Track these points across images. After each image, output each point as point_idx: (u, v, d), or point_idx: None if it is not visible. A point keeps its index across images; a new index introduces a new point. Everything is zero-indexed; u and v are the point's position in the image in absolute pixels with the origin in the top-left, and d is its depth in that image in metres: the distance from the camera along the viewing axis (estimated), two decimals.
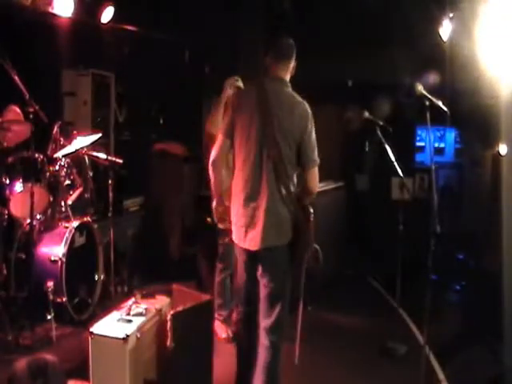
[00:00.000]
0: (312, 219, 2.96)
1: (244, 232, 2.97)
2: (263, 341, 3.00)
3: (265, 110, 2.88)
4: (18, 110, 4.18)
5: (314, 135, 2.95)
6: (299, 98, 2.99)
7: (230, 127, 2.97)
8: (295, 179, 2.97)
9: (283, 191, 2.89)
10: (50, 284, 3.94)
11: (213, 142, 3.18)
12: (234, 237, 3.06)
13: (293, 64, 3.09)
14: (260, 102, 2.90)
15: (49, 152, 4.38)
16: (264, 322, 3.01)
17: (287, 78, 3.06)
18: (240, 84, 4.07)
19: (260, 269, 2.99)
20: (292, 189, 2.92)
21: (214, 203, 3.19)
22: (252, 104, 2.92)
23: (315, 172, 2.95)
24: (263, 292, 3.00)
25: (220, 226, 3.57)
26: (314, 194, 2.99)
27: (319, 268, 3.21)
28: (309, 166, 2.93)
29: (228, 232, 3.23)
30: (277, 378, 3.01)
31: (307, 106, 2.97)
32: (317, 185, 2.99)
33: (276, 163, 2.87)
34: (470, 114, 5.49)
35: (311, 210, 2.97)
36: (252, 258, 3.01)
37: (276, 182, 2.88)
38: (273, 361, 2.98)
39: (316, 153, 2.96)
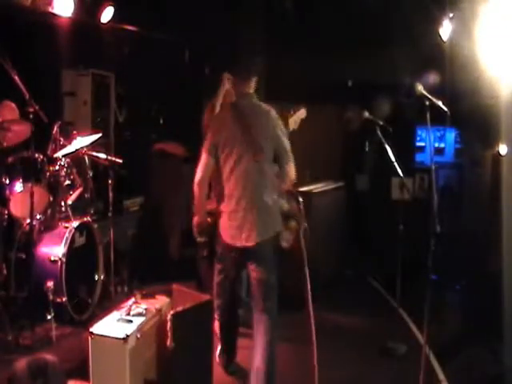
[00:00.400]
0: (301, 205, 3.41)
1: (240, 231, 3.29)
2: (260, 320, 3.34)
3: (244, 123, 3.28)
4: (12, 105, 4.17)
5: (284, 134, 3.41)
6: (267, 107, 3.40)
7: (213, 147, 3.31)
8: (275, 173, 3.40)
9: (270, 187, 3.31)
10: (50, 284, 3.94)
11: None
12: (228, 238, 3.36)
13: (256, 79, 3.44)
14: (238, 117, 3.29)
15: (49, 152, 4.39)
16: (260, 305, 3.35)
17: (250, 90, 3.40)
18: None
19: (253, 263, 3.33)
20: (275, 184, 3.36)
21: (197, 219, 3.48)
22: (230, 122, 3.30)
23: (292, 165, 3.40)
24: (257, 283, 3.35)
25: (199, 239, 3.72)
26: (293, 182, 3.45)
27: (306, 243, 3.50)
28: (287, 162, 3.36)
29: (206, 245, 3.63)
30: (274, 354, 3.33)
31: (275, 113, 3.40)
32: (294, 174, 3.43)
33: (262, 165, 3.28)
34: (470, 114, 5.49)
35: (300, 199, 3.42)
36: (244, 254, 3.33)
37: (263, 181, 3.29)
38: (272, 338, 3.32)
39: (289, 148, 3.41)
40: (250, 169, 3.27)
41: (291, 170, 3.41)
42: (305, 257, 3.43)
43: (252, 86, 3.39)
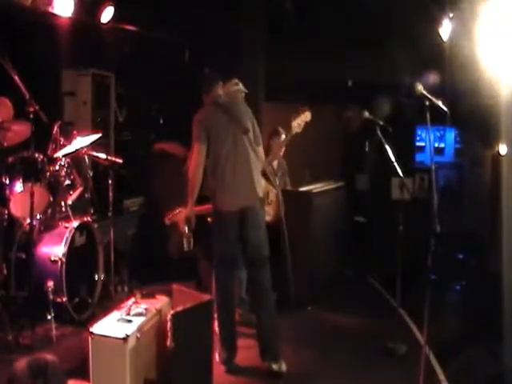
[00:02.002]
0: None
1: (239, 194, 3.73)
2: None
3: (227, 110, 3.82)
4: (7, 101, 4.16)
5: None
6: (242, 101, 4.04)
7: (204, 135, 3.74)
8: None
9: (257, 161, 3.87)
10: (50, 284, 3.94)
11: None
12: (227, 206, 3.73)
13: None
14: (220, 107, 3.83)
15: (49, 152, 4.38)
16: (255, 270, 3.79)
17: (228, 89, 4.07)
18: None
19: (251, 225, 3.77)
20: (260, 155, 3.94)
21: (187, 210, 3.86)
22: (214, 113, 3.82)
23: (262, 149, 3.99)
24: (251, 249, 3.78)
25: (186, 232, 3.93)
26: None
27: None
28: (259, 143, 3.92)
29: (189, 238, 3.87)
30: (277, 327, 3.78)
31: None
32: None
33: (250, 142, 3.82)
34: (470, 114, 5.49)
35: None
36: (243, 216, 3.73)
37: (253, 155, 3.82)
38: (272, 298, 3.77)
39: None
40: (241, 142, 3.77)
41: (261, 153, 3.99)
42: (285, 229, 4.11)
43: (219, 89, 3.95)
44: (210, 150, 3.77)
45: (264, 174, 4.03)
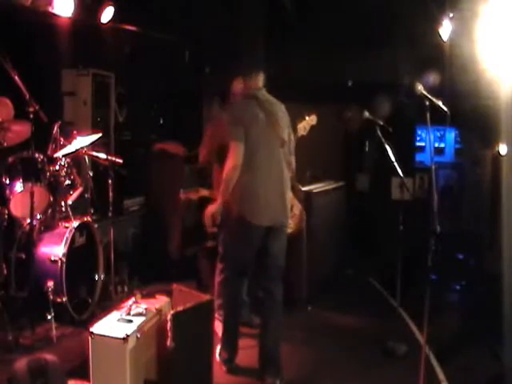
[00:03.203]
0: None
1: (268, 214, 3.49)
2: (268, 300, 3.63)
3: (268, 110, 3.49)
4: (7, 101, 4.16)
5: None
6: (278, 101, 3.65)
7: (243, 134, 3.39)
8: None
9: (289, 175, 3.65)
10: (50, 284, 3.94)
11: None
12: (256, 220, 3.47)
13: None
14: (261, 105, 3.48)
15: (49, 152, 4.38)
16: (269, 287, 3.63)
17: (261, 84, 3.62)
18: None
19: (272, 243, 3.58)
20: (293, 169, 3.79)
21: (216, 206, 3.49)
22: (255, 109, 3.46)
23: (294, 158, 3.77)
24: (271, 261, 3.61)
25: (211, 229, 3.85)
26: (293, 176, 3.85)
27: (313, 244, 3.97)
28: (292, 152, 3.72)
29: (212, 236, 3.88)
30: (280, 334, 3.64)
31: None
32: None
33: (285, 155, 3.58)
34: (470, 114, 5.49)
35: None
36: (265, 233, 3.52)
37: (285, 165, 3.59)
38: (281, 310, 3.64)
39: None
40: (277, 155, 3.51)
41: (293, 164, 3.76)
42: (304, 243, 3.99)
43: (261, 81, 3.58)
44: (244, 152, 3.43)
45: (292, 188, 3.80)
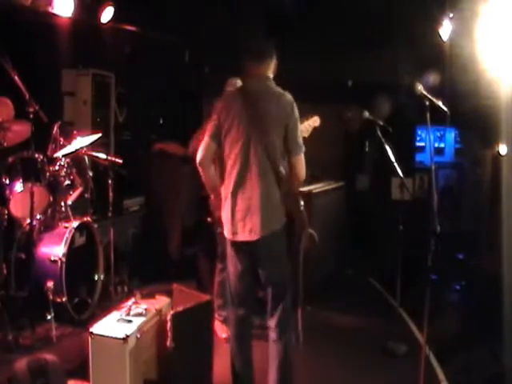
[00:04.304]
0: (302, 209, 3.15)
1: (243, 224, 3.03)
2: (273, 337, 3.13)
3: (251, 105, 3.01)
4: (7, 101, 4.16)
5: (298, 123, 3.07)
6: (281, 90, 3.09)
7: (216, 131, 3.07)
8: (285, 166, 3.07)
9: (275, 177, 3.01)
10: (50, 284, 3.94)
11: None
12: (229, 233, 3.09)
13: (274, 62, 3.17)
14: (245, 99, 3.04)
15: (49, 152, 4.38)
16: (270, 321, 3.14)
17: (269, 75, 3.15)
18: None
19: (259, 262, 3.09)
20: (283, 174, 3.03)
21: (213, 198, 3.31)
22: (238, 104, 3.05)
23: (301, 158, 3.04)
24: (265, 286, 3.13)
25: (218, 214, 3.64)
26: (301, 181, 3.09)
27: (315, 248, 3.39)
28: (296, 152, 3.02)
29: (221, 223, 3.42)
30: (290, 373, 3.17)
31: (290, 96, 3.08)
32: (304, 171, 3.05)
33: (268, 152, 2.98)
34: (470, 114, 5.49)
35: (301, 202, 3.17)
36: (249, 251, 3.07)
37: (268, 169, 3.00)
38: (285, 356, 3.11)
39: (301, 140, 3.06)
40: (258, 157, 2.98)
41: (300, 165, 3.03)
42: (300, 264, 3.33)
43: (267, 70, 3.11)
44: (221, 150, 3.09)
45: (287, 194, 3.09)
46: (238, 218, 3.03)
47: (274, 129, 2.99)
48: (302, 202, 3.15)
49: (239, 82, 4.15)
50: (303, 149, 3.05)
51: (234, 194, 3.04)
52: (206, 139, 3.09)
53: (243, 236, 3.03)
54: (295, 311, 3.34)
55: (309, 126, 4.07)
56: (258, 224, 2.98)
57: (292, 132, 3.01)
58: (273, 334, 3.12)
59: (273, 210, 3.02)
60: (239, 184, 3.03)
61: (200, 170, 3.13)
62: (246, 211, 3.01)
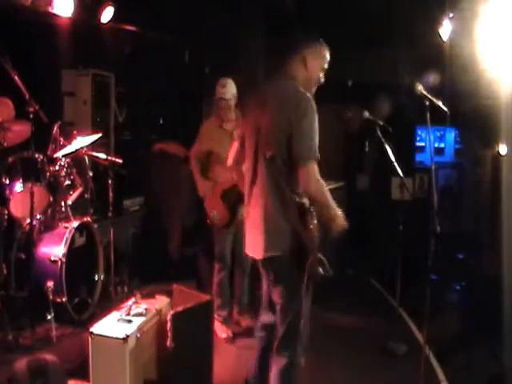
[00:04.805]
0: (311, 227, 2.67)
1: (248, 239, 2.87)
2: (275, 350, 2.83)
3: (260, 111, 2.73)
4: (8, 101, 4.16)
5: (306, 127, 2.61)
6: (295, 89, 2.70)
7: (240, 140, 2.96)
8: (293, 179, 2.69)
9: (279, 194, 2.67)
10: (50, 284, 3.94)
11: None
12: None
13: (301, 58, 2.78)
14: (256, 104, 2.78)
15: (49, 152, 4.38)
16: (277, 332, 2.85)
17: (295, 72, 2.78)
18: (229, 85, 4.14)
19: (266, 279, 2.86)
20: (288, 191, 2.67)
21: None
22: (251, 109, 2.85)
23: (307, 170, 2.59)
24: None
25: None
26: (312, 196, 2.67)
27: (324, 278, 2.87)
28: (299, 162, 2.59)
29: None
30: None
31: (303, 95, 2.66)
32: (312, 185, 2.62)
33: (271, 165, 2.67)
34: (470, 114, 5.49)
35: (310, 218, 2.67)
36: (261, 267, 2.86)
37: (272, 185, 2.68)
38: (283, 371, 2.78)
39: (309, 147, 2.61)
40: (262, 170, 2.70)
41: (303, 178, 2.61)
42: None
43: (292, 66, 2.77)
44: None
45: (301, 213, 2.71)
46: (246, 232, 2.87)
47: (279, 137, 2.62)
48: (313, 220, 2.68)
49: (230, 83, 4.17)
50: (311, 158, 2.61)
51: (247, 208, 2.86)
52: (234, 144, 3.05)
53: (248, 251, 2.87)
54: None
55: None
56: (259, 244, 2.72)
57: (296, 137, 2.59)
58: (276, 347, 2.83)
59: (274, 232, 2.68)
60: (248, 198, 2.83)
61: (232, 174, 3.16)
62: (250, 227, 2.82)
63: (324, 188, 2.68)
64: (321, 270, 2.75)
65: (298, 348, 2.79)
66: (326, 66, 2.86)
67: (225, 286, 4.28)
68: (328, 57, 2.87)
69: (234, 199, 4.03)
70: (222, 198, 4.13)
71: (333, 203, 2.73)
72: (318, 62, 2.81)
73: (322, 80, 2.90)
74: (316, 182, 2.63)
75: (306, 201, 2.71)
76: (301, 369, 2.86)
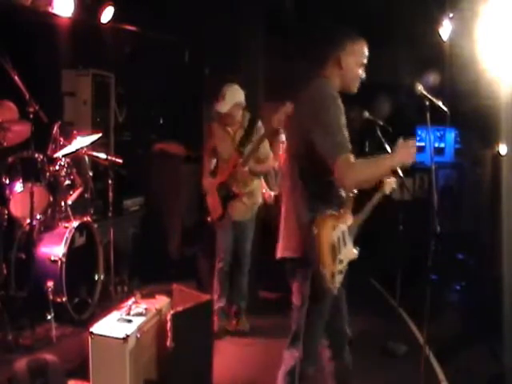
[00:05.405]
0: (315, 235, 2.51)
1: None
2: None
3: (293, 113, 2.78)
4: (12, 105, 4.17)
5: (328, 125, 2.54)
6: (319, 88, 2.66)
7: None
8: (313, 182, 2.62)
9: (297, 197, 2.62)
10: (50, 284, 3.94)
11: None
12: None
13: (338, 55, 2.71)
14: (294, 107, 2.82)
15: (49, 152, 4.39)
16: None
17: (329, 73, 2.75)
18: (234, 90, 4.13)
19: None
20: (306, 195, 2.59)
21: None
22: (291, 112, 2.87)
23: (339, 163, 2.49)
24: None
25: None
26: (352, 187, 2.64)
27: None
28: (329, 157, 2.49)
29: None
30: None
31: (325, 94, 2.61)
32: (348, 177, 2.50)
33: (295, 164, 2.63)
34: (470, 113, 5.49)
35: (315, 229, 2.51)
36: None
37: (296, 187, 2.61)
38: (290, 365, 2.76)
39: (333, 145, 2.53)
40: (288, 171, 2.67)
41: (338, 172, 2.48)
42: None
43: (326, 67, 2.72)
44: None
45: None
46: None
47: (299, 140, 2.59)
48: (315, 231, 2.51)
49: (230, 92, 4.11)
50: (337, 154, 2.52)
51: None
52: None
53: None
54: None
55: (281, 116, 3.77)
56: (280, 243, 2.70)
57: (320, 136, 2.51)
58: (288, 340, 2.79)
59: (289, 233, 2.65)
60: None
61: None
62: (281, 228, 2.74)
63: (361, 170, 2.61)
64: (326, 285, 2.64)
65: (306, 353, 2.74)
66: (364, 60, 2.79)
67: (222, 277, 4.29)
68: (365, 51, 2.78)
69: (225, 193, 4.16)
70: (217, 190, 4.22)
71: (377, 169, 2.73)
72: (352, 59, 2.75)
73: (363, 75, 2.88)
74: (349, 175, 2.53)
75: (323, 209, 2.59)
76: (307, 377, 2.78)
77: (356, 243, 2.95)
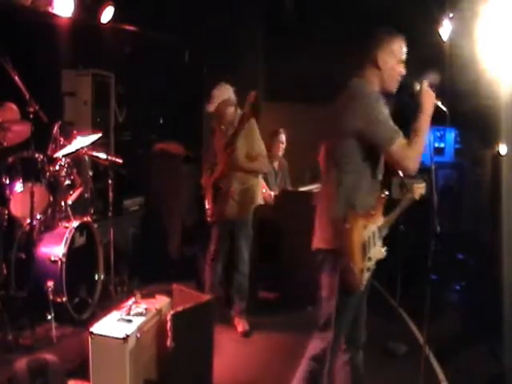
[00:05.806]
0: (347, 229, 2.59)
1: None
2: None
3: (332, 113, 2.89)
4: (14, 107, 4.17)
5: (377, 114, 2.77)
6: (356, 90, 2.86)
7: None
8: (346, 180, 2.70)
9: (330, 192, 2.71)
10: (50, 284, 3.94)
11: None
12: None
13: (375, 56, 2.85)
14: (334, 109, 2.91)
15: (49, 152, 4.39)
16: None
17: (367, 74, 2.90)
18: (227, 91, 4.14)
19: None
20: (339, 191, 2.67)
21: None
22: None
23: (393, 149, 2.66)
24: None
25: None
26: (410, 171, 2.75)
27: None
28: (383, 146, 2.67)
29: None
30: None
31: (362, 95, 2.82)
32: (406, 161, 2.68)
33: (330, 163, 2.73)
34: (469, 113, 5.49)
35: (347, 224, 2.59)
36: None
37: (331, 185, 2.71)
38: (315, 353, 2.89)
39: (384, 134, 2.70)
40: (323, 168, 2.79)
41: (394, 158, 2.67)
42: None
43: (364, 69, 2.88)
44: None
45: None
46: None
47: (339, 138, 2.73)
48: (347, 225, 2.60)
49: (217, 92, 4.16)
50: (397, 136, 2.71)
51: None
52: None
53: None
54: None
55: (248, 103, 4.01)
56: (315, 235, 2.77)
57: (372, 128, 2.68)
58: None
59: (321, 225, 2.73)
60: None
61: None
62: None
63: (416, 147, 2.76)
64: (355, 279, 2.68)
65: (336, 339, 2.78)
66: (402, 57, 2.92)
67: (214, 269, 4.31)
68: (403, 48, 2.93)
69: (215, 189, 4.21)
70: (212, 186, 4.26)
71: (423, 136, 2.86)
72: (390, 57, 2.87)
73: (404, 72, 2.98)
74: (410, 155, 2.71)
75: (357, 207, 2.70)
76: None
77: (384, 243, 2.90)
